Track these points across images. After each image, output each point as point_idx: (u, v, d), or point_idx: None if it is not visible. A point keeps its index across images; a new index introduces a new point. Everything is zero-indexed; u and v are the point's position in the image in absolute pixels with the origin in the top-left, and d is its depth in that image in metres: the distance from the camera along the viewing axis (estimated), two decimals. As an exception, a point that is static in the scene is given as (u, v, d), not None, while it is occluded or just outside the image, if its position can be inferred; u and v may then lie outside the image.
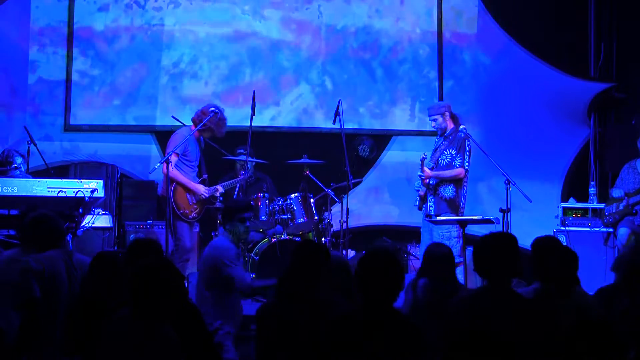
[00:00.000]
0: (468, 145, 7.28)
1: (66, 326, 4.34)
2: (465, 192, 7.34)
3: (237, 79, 9.10)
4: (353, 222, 8.18)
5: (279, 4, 9.19)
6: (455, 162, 7.27)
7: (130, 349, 3.46)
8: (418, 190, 7.40)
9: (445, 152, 7.31)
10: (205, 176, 7.53)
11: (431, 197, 7.29)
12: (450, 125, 7.38)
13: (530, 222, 7.98)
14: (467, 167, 7.26)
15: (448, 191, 7.27)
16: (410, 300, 4.99)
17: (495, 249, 4.06)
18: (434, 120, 7.41)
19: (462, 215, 7.21)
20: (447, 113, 7.41)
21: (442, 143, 7.39)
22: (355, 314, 3.75)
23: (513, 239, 4.16)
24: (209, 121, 7.35)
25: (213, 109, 7.43)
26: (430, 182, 7.29)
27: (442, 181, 7.27)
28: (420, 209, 7.42)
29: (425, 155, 7.29)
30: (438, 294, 4.87)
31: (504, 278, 4.05)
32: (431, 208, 7.27)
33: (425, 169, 7.24)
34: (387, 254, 3.76)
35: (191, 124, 7.55)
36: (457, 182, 7.28)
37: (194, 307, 4.36)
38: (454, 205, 7.23)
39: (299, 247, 4.39)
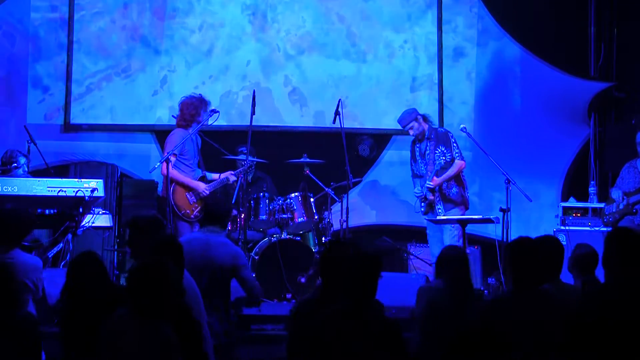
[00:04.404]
0: (452, 137, 7.37)
1: None
2: (466, 183, 7.46)
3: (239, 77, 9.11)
4: (353, 222, 8.17)
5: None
6: (449, 157, 7.31)
7: (128, 348, 3.46)
8: (420, 196, 7.40)
9: (437, 152, 7.33)
10: (203, 173, 7.48)
11: (438, 201, 7.32)
12: (426, 126, 7.44)
13: (530, 222, 7.97)
14: (456, 157, 7.32)
15: (452, 187, 7.34)
16: (425, 305, 4.90)
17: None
18: (411, 128, 7.45)
19: (469, 205, 7.35)
20: (419, 116, 7.46)
21: (427, 146, 7.41)
22: None
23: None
24: (196, 110, 7.28)
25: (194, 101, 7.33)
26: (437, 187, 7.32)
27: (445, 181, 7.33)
28: (425, 213, 7.42)
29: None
30: (453, 298, 4.80)
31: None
32: (440, 210, 7.30)
33: (434, 177, 7.27)
34: None
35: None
36: (455, 176, 7.35)
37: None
38: (458, 201, 7.33)
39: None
